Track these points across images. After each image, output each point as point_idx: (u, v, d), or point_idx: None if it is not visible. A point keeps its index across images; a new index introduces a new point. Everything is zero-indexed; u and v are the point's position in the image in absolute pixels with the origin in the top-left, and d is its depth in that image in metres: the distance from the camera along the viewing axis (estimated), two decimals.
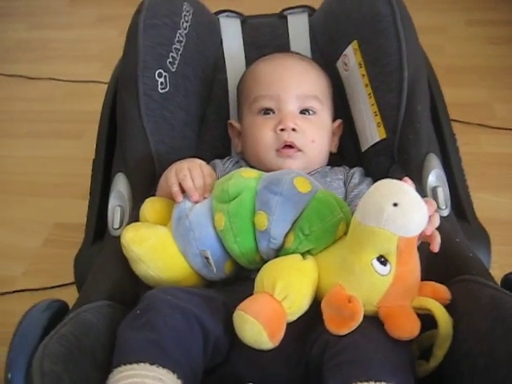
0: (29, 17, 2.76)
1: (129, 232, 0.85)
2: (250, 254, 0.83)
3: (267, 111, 1.05)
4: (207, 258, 0.83)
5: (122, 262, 0.87)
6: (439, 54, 2.11)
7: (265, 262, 0.81)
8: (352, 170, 1.07)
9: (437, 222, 0.75)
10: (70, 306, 0.82)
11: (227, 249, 0.83)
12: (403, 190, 0.69)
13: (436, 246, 0.74)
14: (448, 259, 0.85)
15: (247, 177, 0.85)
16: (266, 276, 0.75)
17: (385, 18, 1.06)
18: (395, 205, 0.67)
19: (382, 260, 0.70)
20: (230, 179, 0.84)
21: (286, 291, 0.72)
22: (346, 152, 1.18)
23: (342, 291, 0.72)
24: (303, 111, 1.05)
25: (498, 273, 0.96)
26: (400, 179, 0.73)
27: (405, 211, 0.67)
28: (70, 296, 0.95)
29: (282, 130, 1.01)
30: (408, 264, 0.72)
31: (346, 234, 0.77)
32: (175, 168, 0.94)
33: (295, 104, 1.04)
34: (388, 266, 0.70)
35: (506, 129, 1.80)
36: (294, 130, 1.01)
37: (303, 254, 0.79)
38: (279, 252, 0.82)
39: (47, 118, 2.06)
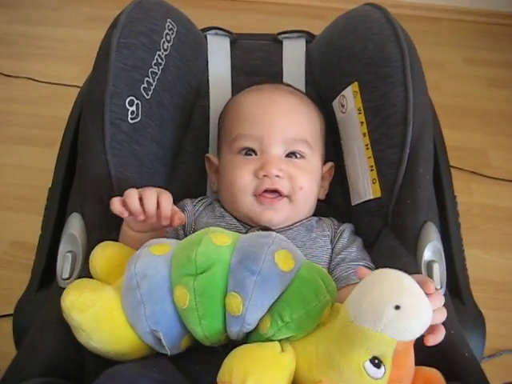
0: (11, 9, 2.64)
1: (70, 295, 0.71)
2: (216, 337, 0.70)
3: (249, 152, 0.93)
4: (159, 339, 0.69)
5: (66, 324, 0.73)
6: (435, 92, 2.03)
7: (230, 340, 0.70)
8: (341, 227, 0.95)
9: (442, 317, 0.67)
10: None
11: (188, 329, 0.70)
12: (406, 290, 0.59)
13: (432, 341, 0.65)
14: (440, 356, 0.74)
15: (219, 244, 0.71)
16: (237, 367, 0.63)
17: (393, 64, 0.95)
18: (397, 307, 0.57)
19: (376, 362, 0.60)
20: (198, 245, 0.70)
21: None
22: (334, 200, 1.06)
23: None
24: (290, 154, 0.94)
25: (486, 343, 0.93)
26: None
27: (408, 316, 0.57)
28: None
29: (265, 176, 0.90)
30: (404, 365, 0.63)
31: (330, 316, 0.68)
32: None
33: (281, 147, 0.93)
34: (382, 368, 0.60)
35: (500, 179, 1.72)
36: (277, 176, 0.90)
37: (280, 341, 0.68)
38: (251, 334, 0.70)
39: (19, 120, 1.93)
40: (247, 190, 0.91)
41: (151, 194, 0.81)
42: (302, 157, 0.95)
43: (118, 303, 0.72)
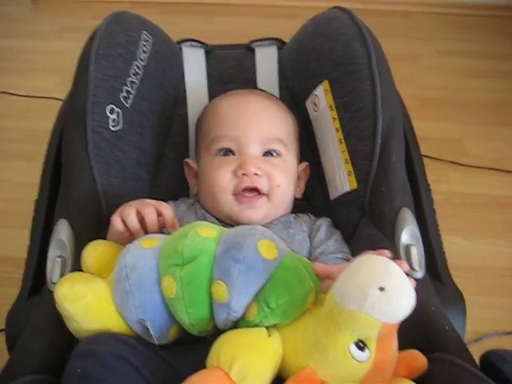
0: None
1: (62, 287, 0.74)
2: (202, 325, 0.73)
3: (227, 152, 0.96)
4: (147, 329, 0.72)
5: (58, 322, 0.76)
6: (411, 84, 2.08)
7: (218, 330, 0.72)
8: (318, 222, 0.98)
9: None
10: None
11: (176, 318, 0.73)
12: (390, 272, 0.60)
13: None
14: (423, 331, 0.77)
15: (205, 236, 0.74)
16: (224, 351, 0.65)
17: (359, 60, 0.99)
18: (381, 289, 0.58)
19: (361, 345, 0.62)
20: (184, 237, 0.73)
21: (244, 372, 0.63)
22: (312, 197, 1.10)
23: (314, 375, 0.64)
24: (266, 153, 0.97)
25: (470, 327, 0.94)
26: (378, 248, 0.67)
27: (391, 297, 0.59)
28: (2, 344, 0.88)
29: (244, 174, 0.93)
30: (388, 349, 0.64)
31: (315, 304, 0.69)
32: (119, 209, 0.84)
33: (257, 147, 0.96)
34: (367, 351, 0.62)
35: (478, 167, 1.75)
36: (256, 174, 0.93)
37: (267, 327, 0.70)
38: (238, 323, 0.72)
39: None
40: (227, 189, 0.94)
41: (150, 212, 0.83)
42: (278, 155, 0.98)
43: (108, 294, 0.75)
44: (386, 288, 0.58)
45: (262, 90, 1.10)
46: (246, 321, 0.71)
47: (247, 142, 0.95)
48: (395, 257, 0.68)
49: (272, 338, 0.68)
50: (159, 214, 0.83)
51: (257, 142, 0.96)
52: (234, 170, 0.94)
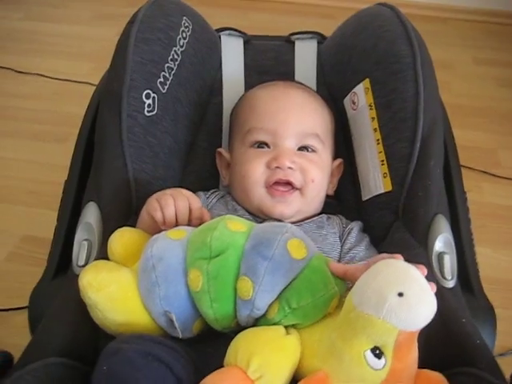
0: (23, 5, 2.63)
1: (87, 274, 0.73)
2: (226, 321, 0.72)
3: (261, 145, 0.95)
4: (172, 321, 0.71)
5: (82, 308, 0.75)
6: (445, 92, 2.04)
7: (241, 327, 0.71)
8: (350, 226, 0.96)
9: None
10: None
11: (200, 311, 0.72)
12: (411, 278, 0.59)
13: None
14: (452, 343, 0.76)
15: (235, 230, 0.73)
16: (242, 348, 0.64)
17: (404, 60, 0.96)
18: (400, 295, 0.57)
19: (377, 352, 0.59)
20: (213, 230, 0.72)
21: (262, 370, 0.62)
22: (344, 197, 1.08)
23: (326, 380, 0.62)
24: (302, 148, 0.95)
25: (495, 341, 0.92)
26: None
27: (411, 304, 0.57)
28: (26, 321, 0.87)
29: (277, 167, 0.91)
30: (405, 359, 0.62)
31: (337, 308, 0.67)
32: (156, 195, 0.84)
33: (293, 141, 0.95)
34: (383, 359, 0.59)
35: (510, 179, 1.72)
36: (290, 168, 0.91)
37: (286, 327, 0.69)
38: (259, 320, 0.71)
39: (30, 116, 1.93)
40: (259, 181, 0.92)
41: (184, 206, 0.82)
42: (314, 151, 0.96)
43: (133, 285, 0.74)
44: (405, 293, 0.57)
45: (300, 83, 1.08)
46: (265, 318, 0.70)
47: (283, 135, 0.94)
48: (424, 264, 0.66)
49: (291, 337, 0.67)
50: (190, 208, 0.83)
51: (293, 136, 0.94)
52: (268, 162, 0.92)
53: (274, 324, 0.69)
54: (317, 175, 0.94)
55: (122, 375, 0.62)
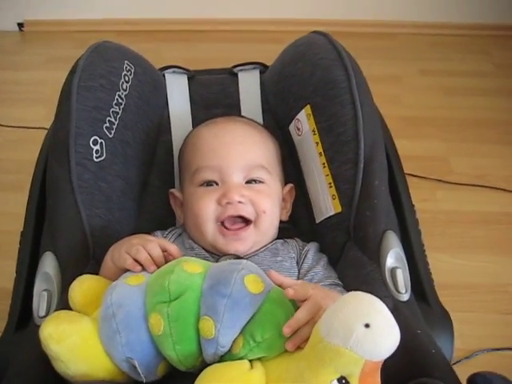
0: None
1: (48, 326, 0.73)
2: (190, 361, 0.73)
3: (210, 183, 0.96)
4: (135, 367, 0.72)
5: (44, 361, 0.75)
6: (395, 104, 2.10)
7: (206, 365, 0.71)
8: (306, 247, 0.98)
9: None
10: None
11: (164, 354, 0.73)
12: (376, 310, 0.61)
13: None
14: (409, 355, 0.77)
15: (191, 272, 0.74)
16: None
17: (339, 84, 1.00)
18: (367, 326, 0.59)
19: (343, 382, 0.61)
20: (170, 273, 0.73)
21: None
22: (299, 221, 1.10)
23: None
24: (249, 181, 0.97)
25: (459, 345, 0.94)
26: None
27: (376, 335, 0.59)
28: None
29: (228, 203, 0.93)
30: None
31: None
32: (125, 247, 0.84)
33: (240, 175, 0.96)
34: None
35: (463, 184, 1.76)
36: (240, 202, 0.93)
37: (251, 361, 0.70)
38: (224, 356, 0.72)
39: None
40: (210, 218, 0.93)
41: (154, 246, 0.82)
42: (262, 182, 0.98)
43: (94, 333, 0.74)
44: (371, 325, 0.58)
45: (242, 117, 1.11)
46: (231, 354, 0.71)
47: (229, 170, 0.95)
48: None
49: (254, 372, 0.68)
50: (163, 250, 0.83)
51: (239, 170, 0.96)
52: (218, 199, 0.94)
53: (240, 358, 0.69)
54: (267, 205, 0.96)
55: None
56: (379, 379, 0.64)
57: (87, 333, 0.74)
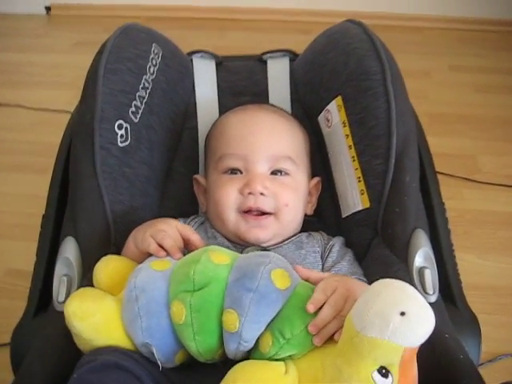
0: (2, 37, 2.65)
1: (72, 303, 0.73)
2: (209, 354, 0.71)
3: (234, 171, 0.95)
4: (152, 353, 0.71)
5: (64, 345, 0.75)
6: (423, 100, 2.06)
7: (225, 358, 0.71)
8: (331, 242, 0.96)
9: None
10: None
11: (183, 344, 0.72)
12: (409, 296, 0.61)
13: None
14: (437, 361, 0.75)
15: (218, 262, 0.72)
16: (240, 383, 0.64)
17: (373, 76, 0.96)
18: (402, 314, 0.58)
19: (384, 372, 0.61)
20: (196, 263, 0.72)
21: None
22: (324, 214, 1.07)
23: None
24: (275, 172, 0.95)
25: (483, 347, 0.92)
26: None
27: (413, 322, 0.58)
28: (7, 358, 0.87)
29: (250, 193, 0.91)
30: (409, 374, 0.63)
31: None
32: (149, 231, 0.83)
33: (265, 165, 0.94)
34: (390, 377, 0.61)
35: (491, 184, 1.72)
36: (262, 194, 0.91)
37: (283, 359, 0.68)
38: (251, 354, 0.71)
39: (10, 148, 1.92)
40: (232, 207, 0.92)
41: (175, 233, 0.83)
42: (287, 174, 0.95)
43: (117, 314, 0.74)
44: (407, 312, 0.58)
45: (271, 105, 1.08)
46: (260, 352, 0.69)
47: (254, 160, 0.93)
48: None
49: (289, 376, 0.67)
50: (186, 239, 0.83)
51: (264, 160, 0.94)
52: (241, 188, 0.92)
53: (270, 357, 0.68)
54: (290, 199, 0.94)
55: (89, 381, 0.63)
56: (416, 365, 0.64)
57: (111, 313, 0.74)
